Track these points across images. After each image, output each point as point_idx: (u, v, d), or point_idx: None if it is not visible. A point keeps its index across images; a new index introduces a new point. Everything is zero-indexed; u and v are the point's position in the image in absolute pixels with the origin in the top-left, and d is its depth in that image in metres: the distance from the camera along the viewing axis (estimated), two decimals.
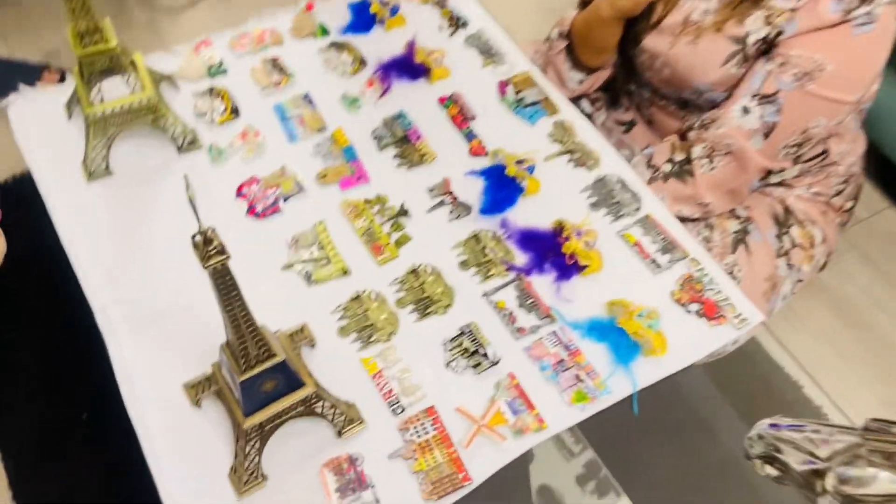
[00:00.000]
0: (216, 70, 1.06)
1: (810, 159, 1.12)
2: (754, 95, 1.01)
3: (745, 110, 1.02)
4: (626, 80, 1.25)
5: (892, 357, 1.35)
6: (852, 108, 1.01)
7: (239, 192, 0.93)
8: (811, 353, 1.34)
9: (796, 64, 0.96)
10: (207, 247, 0.52)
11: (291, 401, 0.71)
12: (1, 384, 1.07)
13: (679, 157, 1.09)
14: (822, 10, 0.94)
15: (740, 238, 1.11)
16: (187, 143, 0.97)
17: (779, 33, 0.98)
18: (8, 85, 1.13)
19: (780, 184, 1.16)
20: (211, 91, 1.03)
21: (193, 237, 0.53)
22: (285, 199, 0.93)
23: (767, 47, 1.00)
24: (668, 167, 1.10)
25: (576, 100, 1.26)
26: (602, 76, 1.19)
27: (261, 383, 0.67)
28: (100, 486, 1.12)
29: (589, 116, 1.26)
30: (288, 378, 0.69)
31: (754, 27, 1.00)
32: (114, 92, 0.93)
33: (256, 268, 0.86)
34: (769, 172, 1.08)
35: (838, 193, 1.20)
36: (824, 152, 1.13)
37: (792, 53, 0.97)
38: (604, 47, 1.13)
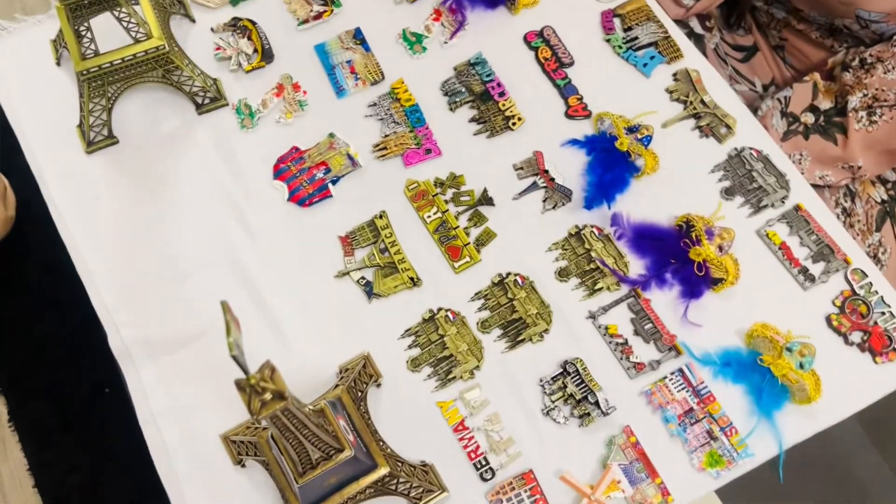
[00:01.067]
0: None
1: None
2: None
3: None
4: None
5: None
6: None
7: (277, 171, 0.74)
8: None
9: None
10: (261, 395, 0.35)
11: (360, 486, 0.56)
12: (21, 364, 0.93)
13: (825, 104, 0.87)
14: None
15: (888, 210, 0.91)
16: (209, 101, 0.77)
17: None
18: None
19: None
20: (235, 24, 0.81)
21: (240, 384, 0.36)
22: (335, 182, 0.73)
23: None
24: (810, 117, 0.88)
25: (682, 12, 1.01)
26: None
27: (323, 480, 0.52)
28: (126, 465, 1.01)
29: (698, 38, 1.02)
30: (356, 466, 0.54)
31: None
32: (111, 35, 0.72)
33: (302, 277, 0.69)
34: None
35: None
36: None
37: None
38: None
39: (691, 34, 1.01)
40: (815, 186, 0.87)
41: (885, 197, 0.91)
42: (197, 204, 0.72)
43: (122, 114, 0.76)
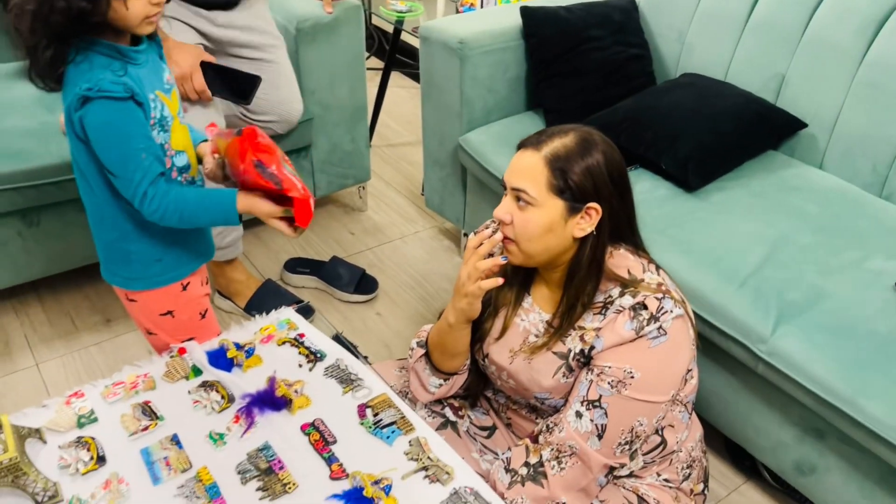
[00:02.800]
0: (87, 420, 1.11)
1: (650, 451, 1.24)
2: (583, 401, 1.14)
3: (579, 415, 1.14)
4: (485, 388, 1.38)
5: None
6: (668, 405, 1.16)
7: None
8: None
9: (610, 373, 1.12)
10: None
11: None
12: None
13: (533, 459, 1.18)
14: (619, 328, 1.12)
15: None
16: (48, 499, 0.98)
17: (591, 348, 1.14)
18: None
19: (630, 475, 1.26)
20: (78, 441, 1.07)
21: None
22: None
23: (586, 360, 1.16)
24: (524, 470, 1.18)
25: (441, 408, 1.37)
26: (458, 381, 1.32)
27: None
28: None
29: (453, 424, 1.36)
30: None
31: (573, 345, 1.16)
32: None
33: None
34: (612, 468, 1.17)
35: (686, 478, 1.30)
36: (662, 443, 1.24)
37: (605, 365, 1.12)
38: (456, 352, 1.27)
39: (447, 423, 1.36)
40: None
41: None
42: None
43: None
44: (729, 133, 1.71)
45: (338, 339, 1.30)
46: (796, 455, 1.38)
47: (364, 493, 1.00)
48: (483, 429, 1.38)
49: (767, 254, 1.46)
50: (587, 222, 1.12)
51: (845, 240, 1.50)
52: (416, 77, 3.31)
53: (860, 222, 1.56)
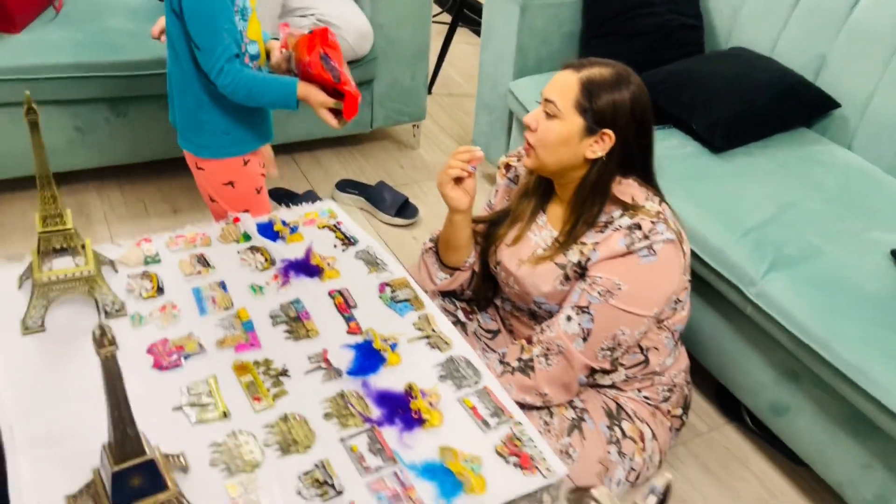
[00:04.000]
0: (151, 259, 1.31)
1: (633, 366, 1.37)
2: (573, 307, 1.28)
3: (569, 318, 1.29)
4: (494, 294, 1.54)
5: None
6: (651, 320, 1.29)
7: (149, 350, 1.13)
8: None
9: (600, 283, 1.26)
10: (103, 338, 0.72)
11: (154, 501, 0.85)
12: None
13: (525, 355, 1.33)
14: (613, 243, 1.25)
15: (575, 424, 1.32)
16: (115, 311, 1.19)
17: (587, 259, 1.28)
18: None
19: (612, 386, 1.40)
20: (144, 274, 1.27)
21: (93, 330, 0.73)
22: (186, 357, 1.13)
23: (582, 271, 1.30)
24: (516, 363, 1.33)
25: (454, 308, 1.53)
26: (460, 277, 1.48)
27: (130, 478, 0.82)
28: None
29: (462, 324, 1.52)
30: (154, 478, 0.84)
31: (572, 256, 1.31)
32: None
33: (150, 408, 1.03)
34: (593, 371, 1.31)
35: (665, 400, 1.43)
36: (645, 361, 1.38)
37: (596, 275, 1.26)
38: (456, 245, 1.43)
39: (457, 322, 1.53)
40: (520, 405, 1.29)
41: (574, 416, 1.33)
42: (91, 369, 1.09)
43: (55, 313, 1.16)
44: (761, 102, 1.80)
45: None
46: (773, 396, 1.49)
47: (373, 345, 1.17)
48: (488, 331, 1.54)
49: (775, 213, 1.56)
50: (600, 146, 1.26)
51: (853, 211, 1.59)
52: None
53: (873, 199, 1.65)
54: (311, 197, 2.13)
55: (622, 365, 1.36)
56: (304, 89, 1.28)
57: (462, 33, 3.54)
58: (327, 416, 1.07)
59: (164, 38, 1.36)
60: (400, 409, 1.08)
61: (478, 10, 3.49)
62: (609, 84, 1.25)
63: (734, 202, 1.60)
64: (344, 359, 1.16)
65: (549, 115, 1.27)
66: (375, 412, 1.08)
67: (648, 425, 1.39)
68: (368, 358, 1.16)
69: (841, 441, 1.38)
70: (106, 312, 1.18)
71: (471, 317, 1.55)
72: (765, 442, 1.63)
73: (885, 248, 1.48)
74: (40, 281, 1.13)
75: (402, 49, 2.32)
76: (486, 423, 1.09)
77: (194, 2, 1.20)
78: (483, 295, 1.54)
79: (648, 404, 1.41)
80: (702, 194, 1.63)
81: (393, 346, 1.18)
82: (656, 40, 2.03)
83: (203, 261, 1.32)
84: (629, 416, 1.38)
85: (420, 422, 1.07)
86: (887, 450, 1.30)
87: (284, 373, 1.12)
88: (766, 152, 1.79)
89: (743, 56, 1.96)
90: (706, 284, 1.57)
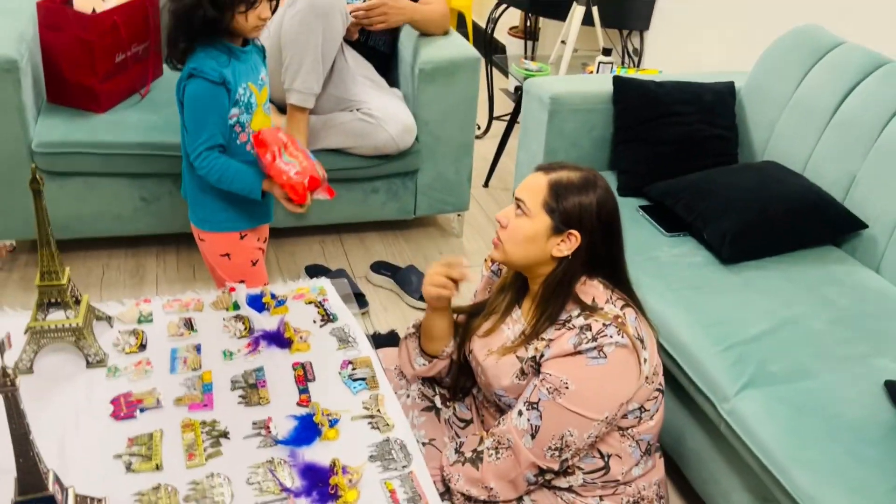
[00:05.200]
0: (145, 319, 1.44)
1: (592, 472, 1.34)
2: (525, 402, 1.29)
3: (520, 413, 1.29)
4: (472, 384, 1.56)
5: None
6: (600, 425, 1.27)
7: (112, 401, 1.24)
8: None
9: (549, 381, 1.26)
10: (6, 378, 0.83)
11: None
12: None
13: (480, 447, 1.34)
14: (563, 341, 1.26)
15: None
16: (96, 361, 1.31)
17: (541, 355, 1.30)
18: None
19: (569, 489, 1.37)
20: (132, 331, 1.40)
21: None
22: (142, 410, 1.22)
23: (537, 366, 1.31)
24: (469, 454, 1.34)
25: (432, 394, 1.56)
26: (438, 365, 1.52)
27: None
28: None
29: (437, 410, 1.55)
30: None
31: (529, 351, 1.32)
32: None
33: (95, 453, 1.13)
34: (542, 470, 1.30)
35: None
36: (605, 468, 1.35)
37: (547, 372, 1.27)
38: (435, 336, 1.48)
39: (433, 407, 1.55)
40: (464, 497, 1.29)
41: None
42: (71, 408, 1.21)
43: (43, 359, 1.30)
44: (777, 217, 1.76)
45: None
46: None
47: (314, 418, 1.23)
48: (462, 420, 1.55)
49: (770, 329, 1.51)
50: (566, 245, 1.29)
51: (860, 334, 1.51)
52: None
53: (887, 322, 1.56)
54: (340, 275, 2.25)
55: (580, 469, 1.34)
56: (269, 184, 1.44)
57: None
58: (249, 480, 1.12)
59: None
60: (320, 482, 1.12)
61: None
62: (576, 187, 1.29)
63: (730, 315, 1.56)
64: (284, 428, 1.22)
65: (520, 212, 1.32)
66: (297, 482, 1.13)
67: None
68: (306, 430, 1.21)
69: None
70: (88, 361, 1.31)
71: (448, 404, 1.57)
72: None
73: (883, 376, 1.39)
74: (33, 328, 1.28)
75: (445, 144, 2.45)
76: None
77: (192, 96, 1.38)
78: (461, 384, 1.56)
79: None
80: (697, 304, 1.59)
81: (333, 422, 1.23)
82: (683, 149, 2.04)
83: (188, 324, 1.44)
84: None
85: (335, 497, 1.10)
86: None
87: (225, 434, 1.20)
88: (781, 267, 1.73)
89: (768, 169, 1.93)
90: (687, 395, 1.52)
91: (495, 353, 1.40)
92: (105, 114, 2.24)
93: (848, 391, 1.36)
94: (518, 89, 2.89)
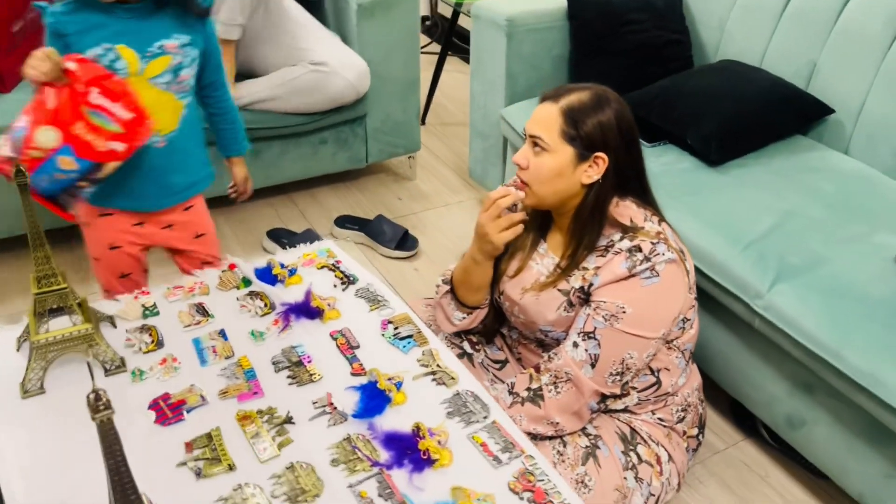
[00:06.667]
0: (150, 312, 1.30)
1: (645, 389, 1.35)
2: (580, 333, 1.27)
3: (575, 345, 1.27)
4: (500, 324, 1.52)
5: None
6: (658, 342, 1.27)
7: (151, 406, 1.11)
8: None
9: (604, 308, 1.24)
10: (98, 402, 0.71)
11: None
12: None
13: (534, 385, 1.31)
14: (614, 267, 1.24)
15: (590, 452, 1.29)
16: (114, 368, 1.17)
17: (590, 284, 1.27)
18: None
19: (625, 410, 1.37)
20: (142, 327, 1.26)
21: (88, 395, 0.72)
22: (189, 411, 1.11)
23: (586, 296, 1.28)
24: (525, 393, 1.31)
25: (459, 341, 1.51)
26: (480, 315, 1.46)
27: None
28: None
29: (469, 356, 1.50)
30: None
31: (574, 282, 1.29)
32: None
33: (153, 466, 1.01)
34: (604, 396, 1.29)
35: (680, 420, 1.41)
36: (657, 383, 1.35)
37: (600, 300, 1.25)
38: (480, 286, 1.40)
39: (464, 354, 1.51)
40: (531, 436, 1.26)
41: (588, 444, 1.30)
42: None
43: (53, 374, 1.15)
44: (754, 113, 1.80)
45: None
46: (788, 409, 1.47)
47: (378, 385, 1.15)
48: (496, 362, 1.52)
49: (776, 223, 1.55)
50: (594, 170, 1.25)
51: (855, 215, 1.58)
52: None
53: (874, 201, 1.63)
54: (310, 236, 2.13)
55: (634, 388, 1.34)
56: None
57: (452, 62, 3.56)
58: (334, 462, 1.04)
59: None
60: (408, 450, 1.06)
61: (466, 38, 3.51)
62: (591, 107, 1.24)
63: (734, 214, 1.59)
64: (349, 401, 1.14)
65: (538, 150, 1.26)
66: (383, 455, 1.06)
67: (664, 448, 1.37)
68: (373, 399, 1.14)
69: (859, 451, 1.35)
70: (105, 370, 1.17)
71: (477, 347, 1.53)
72: (783, 455, 1.60)
73: (888, 251, 1.46)
74: (38, 343, 1.12)
75: (391, 83, 2.33)
76: (497, 460, 1.06)
77: None
78: (492, 328, 1.52)
79: (663, 426, 1.39)
80: (701, 208, 1.61)
81: (398, 385, 1.17)
82: (643, 57, 2.03)
83: (202, 310, 1.31)
84: (644, 440, 1.35)
85: (430, 462, 1.04)
86: None
87: (289, 420, 1.11)
88: (761, 161, 1.78)
89: (730, 68, 1.96)
90: (713, 300, 1.55)
91: (532, 290, 1.36)
92: (11, 93, 1.97)
93: (864, 271, 1.42)
94: (428, 18, 2.76)
